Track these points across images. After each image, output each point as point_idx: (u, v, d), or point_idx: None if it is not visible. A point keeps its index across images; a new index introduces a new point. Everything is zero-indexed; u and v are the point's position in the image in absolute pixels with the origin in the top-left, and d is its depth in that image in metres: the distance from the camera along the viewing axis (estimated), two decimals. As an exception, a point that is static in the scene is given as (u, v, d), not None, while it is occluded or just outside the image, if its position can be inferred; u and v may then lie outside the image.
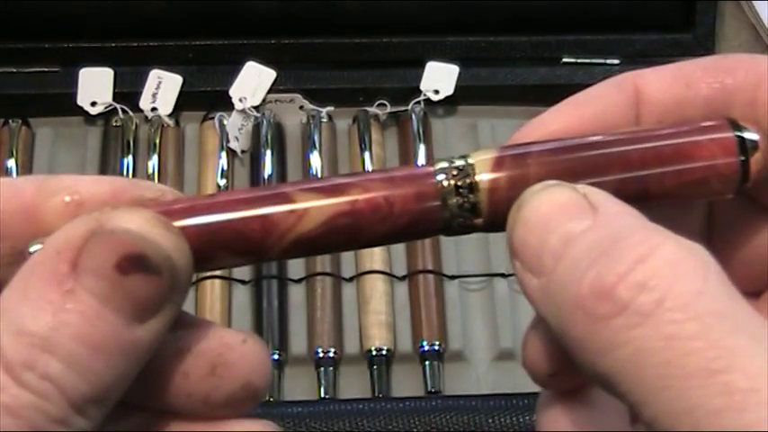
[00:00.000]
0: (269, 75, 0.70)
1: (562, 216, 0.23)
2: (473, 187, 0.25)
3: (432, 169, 0.25)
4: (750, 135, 0.25)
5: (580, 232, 0.23)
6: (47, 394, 0.21)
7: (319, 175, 0.67)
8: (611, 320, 0.21)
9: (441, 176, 0.25)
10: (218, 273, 0.64)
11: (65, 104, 0.69)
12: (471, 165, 0.25)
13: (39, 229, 0.24)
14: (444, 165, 0.25)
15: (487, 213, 0.25)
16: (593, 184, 0.24)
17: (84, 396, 0.21)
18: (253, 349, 0.24)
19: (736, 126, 0.25)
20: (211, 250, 0.24)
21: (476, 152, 0.25)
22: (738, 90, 0.26)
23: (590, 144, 0.25)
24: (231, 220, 0.24)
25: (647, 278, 0.21)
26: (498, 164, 0.25)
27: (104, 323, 0.22)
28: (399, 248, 0.67)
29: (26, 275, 0.22)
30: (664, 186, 0.25)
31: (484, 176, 0.25)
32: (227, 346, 0.24)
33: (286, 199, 0.24)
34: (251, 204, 0.24)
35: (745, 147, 0.25)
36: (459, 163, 0.25)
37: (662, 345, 0.20)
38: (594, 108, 0.27)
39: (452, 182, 0.25)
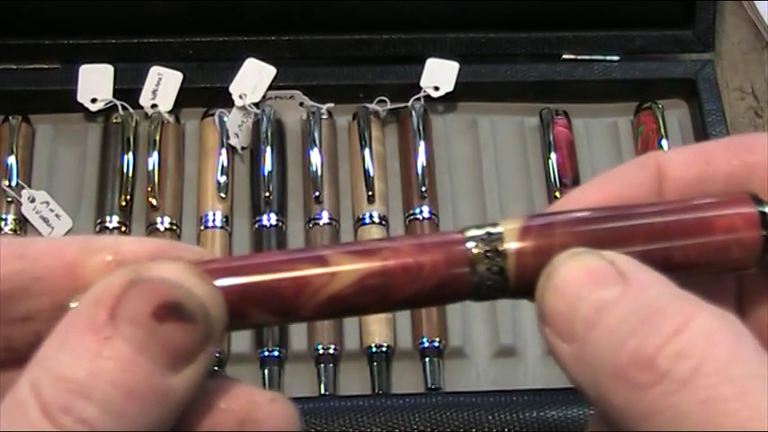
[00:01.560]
0: (269, 71, 0.70)
1: (592, 283, 0.24)
2: (501, 255, 0.26)
3: (462, 236, 0.26)
4: None
5: (612, 300, 0.24)
6: None
7: (319, 172, 0.67)
8: (652, 388, 0.22)
9: (470, 244, 0.26)
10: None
11: (65, 101, 0.69)
12: (500, 233, 0.26)
13: (80, 286, 0.25)
14: (474, 232, 0.26)
15: (515, 280, 0.26)
16: (619, 253, 0.25)
17: None
18: (281, 408, 0.25)
19: (758, 201, 0.26)
20: (245, 307, 0.25)
21: (504, 220, 0.26)
22: (758, 166, 0.27)
23: (615, 215, 0.26)
24: (265, 278, 0.25)
25: (684, 348, 0.22)
26: (525, 233, 0.26)
27: (140, 370, 0.22)
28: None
29: (66, 325, 0.23)
30: (688, 257, 0.26)
31: (511, 245, 0.26)
32: (256, 403, 0.25)
33: (320, 260, 0.25)
34: (286, 264, 0.25)
35: (766, 221, 0.26)
36: (488, 231, 0.26)
37: (699, 408, 0.22)
38: (619, 186, 0.28)
39: (481, 249, 0.26)
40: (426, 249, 0.26)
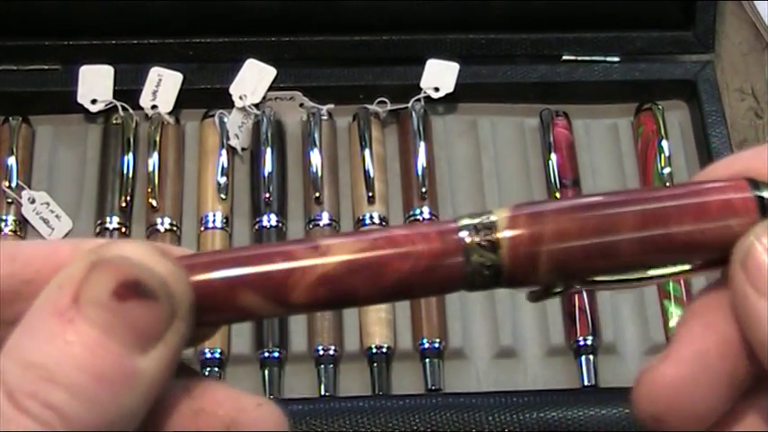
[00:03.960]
0: (269, 72, 0.70)
1: None
2: (494, 243, 0.26)
3: (455, 226, 0.26)
4: None
5: None
6: (49, 422, 0.21)
7: (319, 173, 0.67)
8: None
9: (464, 233, 0.26)
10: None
11: (65, 102, 0.69)
12: (494, 222, 0.26)
13: None
14: (467, 221, 0.26)
15: (509, 269, 0.26)
16: (611, 240, 0.25)
17: (88, 425, 0.22)
18: (268, 413, 0.25)
19: (755, 185, 0.26)
20: (235, 292, 0.25)
21: (497, 209, 0.26)
22: None
23: (607, 202, 0.26)
24: (255, 257, 0.25)
25: None
26: (517, 221, 0.26)
27: (106, 352, 0.22)
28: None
29: (32, 312, 0.23)
30: (686, 243, 0.26)
31: (505, 233, 0.26)
32: (242, 408, 0.25)
33: (310, 241, 0.25)
34: (275, 247, 0.25)
35: (764, 206, 0.26)
36: (482, 220, 0.26)
37: None
38: None
39: (475, 238, 0.26)
40: (419, 240, 0.25)
